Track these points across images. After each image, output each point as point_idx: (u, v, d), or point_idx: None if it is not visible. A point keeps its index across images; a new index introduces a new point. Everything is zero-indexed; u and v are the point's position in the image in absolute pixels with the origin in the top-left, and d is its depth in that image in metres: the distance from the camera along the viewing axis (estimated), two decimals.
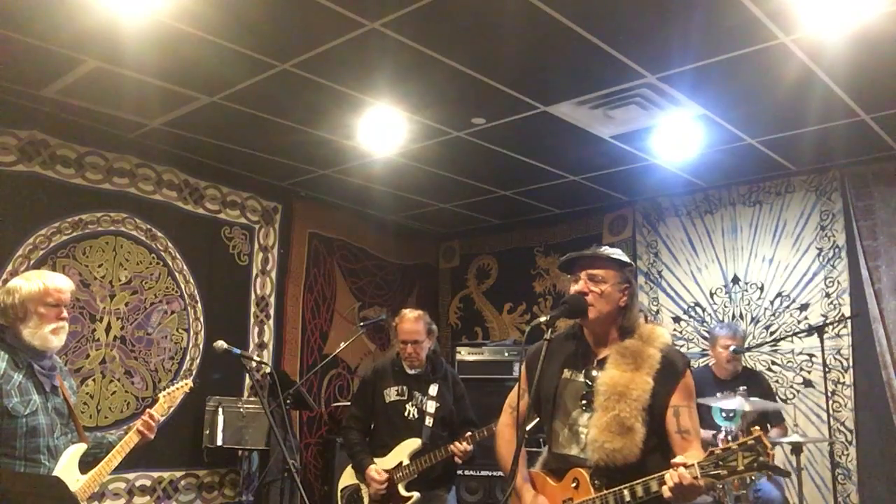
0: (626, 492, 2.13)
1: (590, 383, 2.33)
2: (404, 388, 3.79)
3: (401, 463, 3.67)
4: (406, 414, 3.76)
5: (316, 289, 6.23)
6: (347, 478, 3.88)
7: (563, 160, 5.33)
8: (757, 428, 1.96)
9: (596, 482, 2.23)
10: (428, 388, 3.78)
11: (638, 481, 2.12)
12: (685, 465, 2.01)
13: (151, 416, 2.88)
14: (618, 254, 2.43)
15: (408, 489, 3.64)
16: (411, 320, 3.77)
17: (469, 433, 3.57)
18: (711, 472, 1.98)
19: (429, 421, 3.71)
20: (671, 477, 2.02)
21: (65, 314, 2.76)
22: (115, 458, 2.80)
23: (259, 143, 5.08)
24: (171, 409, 3.13)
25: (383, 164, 5.34)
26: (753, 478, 1.95)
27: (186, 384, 3.13)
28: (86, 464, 2.79)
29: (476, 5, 3.31)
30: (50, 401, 2.72)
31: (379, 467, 3.69)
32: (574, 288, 2.39)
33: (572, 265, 2.45)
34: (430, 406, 3.74)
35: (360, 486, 3.78)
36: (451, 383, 3.88)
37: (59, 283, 2.76)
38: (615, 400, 2.22)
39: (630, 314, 2.37)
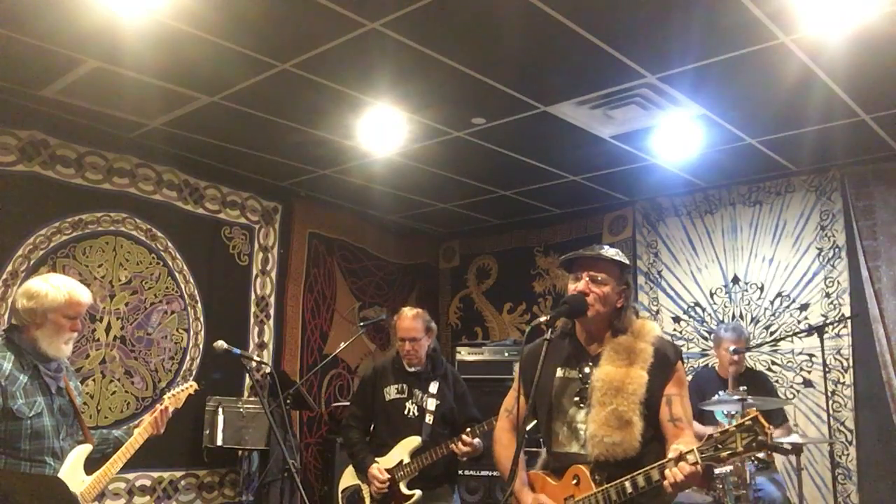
0: (627, 483, 2.14)
1: (585, 380, 2.35)
2: (404, 386, 3.79)
3: (401, 461, 3.67)
4: (406, 412, 3.75)
5: (316, 289, 6.23)
6: (348, 478, 3.87)
7: (563, 160, 5.33)
8: (754, 409, 1.95)
9: (596, 477, 2.24)
10: (428, 386, 3.77)
11: (639, 472, 2.12)
12: (684, 453, 2.02)
13: (167, 410, 2.92)
14: (619, 255, 2.46)
15: (409, 487, 3.63)
16: (409, 318, 3.78)
17: (468, 429, 3.56)
18: (710, 455, 1.99)
19: (429, 418, 3.70)
20: (670, 475, 2.03)
21: (79, 326, 2.76)
22: (121, 458, 2.82)
23: (259, 143, 5.08)
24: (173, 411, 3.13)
25: (383, 164, 5.33)
26: (754, 460, 1.92)
27: (192, 385, 3.13)
28: (93, 461, 2.79)
29: (476, 5, 3.31)
30: (55, 402, 2.71)
31: (380, 466, 3.69)
32: (575, 287, 2.40)
33: (573, 264, 2.46)
34: (431, 404, 3.73)
35: (361, 486, 3.77)
36: (451, 381, 3.88)
37: (83, 297, 2.74)
38: (612, 395, 2.25)
39: (625, 315, 2.39)
